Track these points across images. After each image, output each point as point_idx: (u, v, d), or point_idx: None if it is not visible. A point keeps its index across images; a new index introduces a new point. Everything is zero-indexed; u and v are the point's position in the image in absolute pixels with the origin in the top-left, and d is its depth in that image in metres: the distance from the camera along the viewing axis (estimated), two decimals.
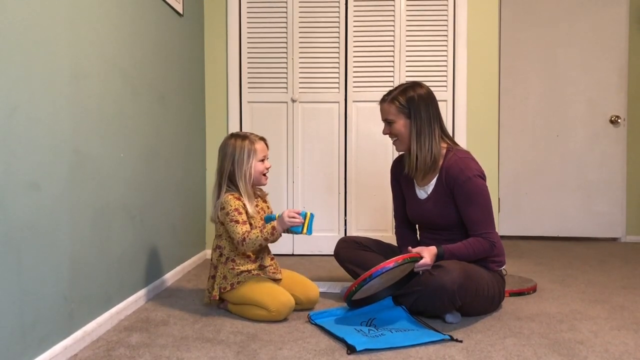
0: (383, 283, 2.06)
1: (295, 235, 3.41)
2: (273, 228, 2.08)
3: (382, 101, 2.23)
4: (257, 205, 2.23)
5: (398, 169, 2.37)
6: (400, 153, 2.37)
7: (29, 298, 1.50)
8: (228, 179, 2.19)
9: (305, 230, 2.09)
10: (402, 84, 2.24)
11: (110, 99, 2.02)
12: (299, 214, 2.09)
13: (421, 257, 2.00)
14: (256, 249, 2.12)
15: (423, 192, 2.25)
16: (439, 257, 2.06)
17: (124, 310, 2.10)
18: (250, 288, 2.10)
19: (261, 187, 2.31)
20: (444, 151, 2.20)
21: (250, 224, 2.15)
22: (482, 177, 2.15)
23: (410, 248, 2.07)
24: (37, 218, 1.54)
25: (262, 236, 2.07)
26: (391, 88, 2.28)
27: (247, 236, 2.08)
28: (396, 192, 2.41)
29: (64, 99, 1.69)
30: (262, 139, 2.25)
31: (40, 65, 1.56)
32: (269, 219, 2.19)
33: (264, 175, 2.24)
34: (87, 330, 1.81)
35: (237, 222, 2.10)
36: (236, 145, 2.18)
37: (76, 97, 1.76)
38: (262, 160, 2.22)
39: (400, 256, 1.97)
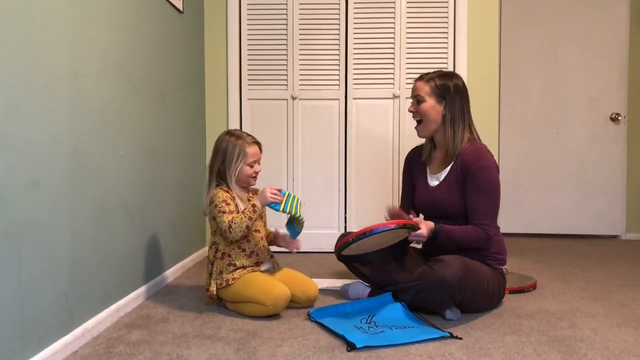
0: (373, 245, 2.09)
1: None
2: (253, 205, 2.09)
3: (419, 79, 2.25)
4: (249, 200, 2.23)
5: (415, 157, 2.38)
6: (415, 145, 2.38)
7: (29, 295, 1.51)
8: (218, 175, 2.20)
9: (282, 208, 2.10)
10: (440, 70, 2.28)
11: (110, 97, 2.02)
12: (279, 191, 2.11)
13: (419, 228, 2.02)
14: (244, 233, 2.10)
15: (435, 179, 2.26)
16: (434, 233, 2.07)
17: (124, 307, 2.11)
18: (244, 285, 2.09)
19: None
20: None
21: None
22: (497, 170, 2.17)
23: (411, 216, 2.08)
24: (37, 216, 1.54)
25: (245, 216, 2.08)
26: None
27: (233, 221, 2.08)
28: (407, 183, 2.41)
29: (63, 97, 1.69)
30: (257, 142, 2.23)
31: (40, 63, 1.56)
32: (291, 229, 2.22)
33: (253, 178, 2.22)
34: (87, 327, 1.81)
35: (224, 212, 2.11)
36: (229, 144, 2.18)
37: (76, 95, 1.76)
38: (252, 165, 2.20)
39: (402, 220, 2.00)
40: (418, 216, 2.41)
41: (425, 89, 2.20)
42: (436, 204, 2.24)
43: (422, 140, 2.37)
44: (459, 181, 2.17)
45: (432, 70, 2.29)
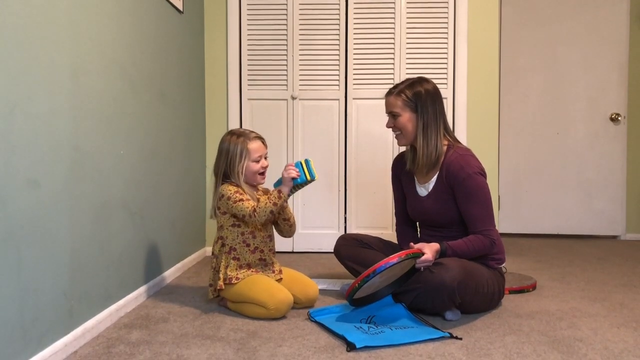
0: (384, 281, 2.06)
1: (293, 235, 3.41)
2: (279, 191, 2.09)
3: (388, 94, 2.23)
4: (259, 198, 2.23)
5: (399, 166, 2.37)
6: (401, 151, 2.37)
7: (29, 295, 1.51)
8: (224, 177, 2.19)
9: (308, 176, 2.10)
10: (409, 79, 2.24)
11: (110, 96, 2.02)
12: (293, 166, 2.11)
13: (423, 254, 2.00)
14: (269, 217, 2.10)
15: (424, 189, 2.25)
16: (441, 253, 2.06)
17: (124, 307, 2.11)
18: (248, 286, 2.09)
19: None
20: (445, 148, 2.20)
21: None
22: (483, 174, 2.15)
23: (412, 244, 2.07)
24: (37, 215, 1.54)
25: (270, 201, 2.07)
26: (396, 82, 2.25)
27: (257, 206, 2.08)
28: (397, 190, 2.41)
29: (63, 96, 1.69)
30: (259, 137, 2.21)
31: (39, 62, 1.56)
32: (278, 184, 2.17)
33: (260, 174, 2.21)
34: (87, 327, 1.81)
35: (241, 200, 2.11)
36: (230, 143, 2.17)
37: (76, 95, 1.76)
38: (258, 160, 2.19)
39: (403, 252, 1.96)
40: (415, 224, 2.41)
41: (397, 103, 2.18)
42: (428, 214, 2.24)
43: None
44: (447, 191, 2.17)
45: (399, 82, 2.27)
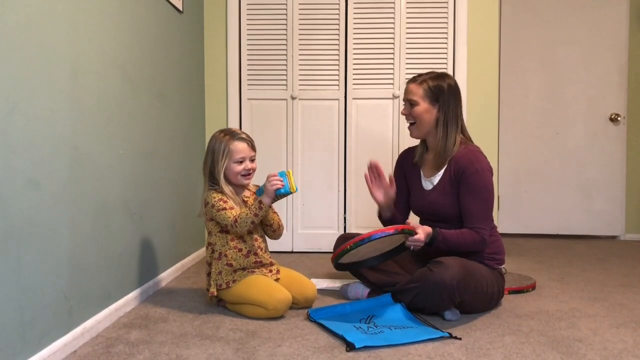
0: (370, 252, 2.08)
1: (293, 233, 3.42)
2: (260, 202, 2.06)
3: (412, 81, 2.22)
4: (245, 200, 2.22)
5: (407, 159, 2.37)
6: (408, 146, 2.37)
7: (29, 295, 1.51)
8: (210, 175, 2.17)
9: (294, 188, 2.07)
10: (433, 71, 2.24)
11: (109, 96, 2.02)
12: (277, 176, 2.07)
13: (416, 233, 2.01)
14: (250, 227, 2.09)
15: (429, 182, 2.25)
16: (432, 238, 2.06)
17: (123, 307, 2.11)
18: (245, 287, 2.09)
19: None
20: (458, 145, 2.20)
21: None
22: (491, 172, 2.16)
23: (408, 221, 2.07)
24: (37, 215, 1.54)
25: (251, 212, 2.06)
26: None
27: (238, 217, 2.07)
28: (398, 182, 2.40)
29: (63, 96, 1.69)
30: (246, 139, 2.16)
31: (39, 62, 1.56)
32: (260, 192, 2.14)
33: (243, 176, 2.16)
34: (87, 327, 1.81)
35: (224, 209, 2.09)
36: (217, 140, 2.15)
37: (75, 95, 1.76)
38: (241, 162, 2.14)
39: (400, 225, 1.99)
40: (406, 216, 2.41)
41: (418, 92, 2.18)
42: (431, 208, 2.24)
43: (418, 141, 2.36)
44: (453, 185, 2.17)
45: (424, 72, 2.26)
